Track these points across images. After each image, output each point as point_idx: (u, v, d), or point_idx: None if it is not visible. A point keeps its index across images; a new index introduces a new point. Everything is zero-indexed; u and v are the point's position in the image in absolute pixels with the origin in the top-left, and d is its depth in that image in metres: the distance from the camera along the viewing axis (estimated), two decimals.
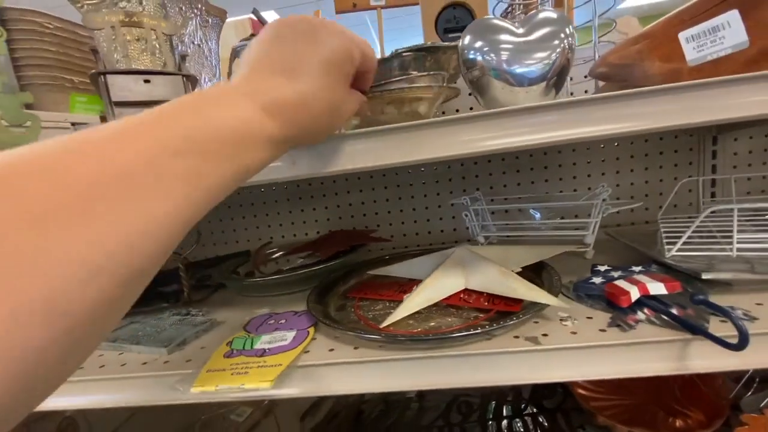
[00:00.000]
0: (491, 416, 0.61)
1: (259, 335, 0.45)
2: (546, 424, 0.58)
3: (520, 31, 0.40)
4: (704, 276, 0.39)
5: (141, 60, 0.49)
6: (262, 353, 0.40)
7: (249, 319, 0.51)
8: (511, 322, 0.37)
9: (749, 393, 0.63)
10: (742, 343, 0.29)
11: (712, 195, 0.72)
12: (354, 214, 0.80)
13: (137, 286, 0.19)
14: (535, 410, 0.60)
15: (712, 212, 0.43)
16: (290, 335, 0.43)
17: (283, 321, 0.49)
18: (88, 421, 0.71)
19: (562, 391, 0.65)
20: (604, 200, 0.57)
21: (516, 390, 0.66)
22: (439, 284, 0.46)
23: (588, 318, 0.39)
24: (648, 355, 0.34)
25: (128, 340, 0.48)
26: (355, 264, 0.63)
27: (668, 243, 0.48)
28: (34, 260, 0.14)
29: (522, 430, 0.58)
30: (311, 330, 0.44)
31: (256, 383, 0.35)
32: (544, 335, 0.37)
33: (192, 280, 0.65)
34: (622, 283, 0.41)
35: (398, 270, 0.55)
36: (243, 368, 0.37)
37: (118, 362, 0.44)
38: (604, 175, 0.73)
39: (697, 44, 0.31)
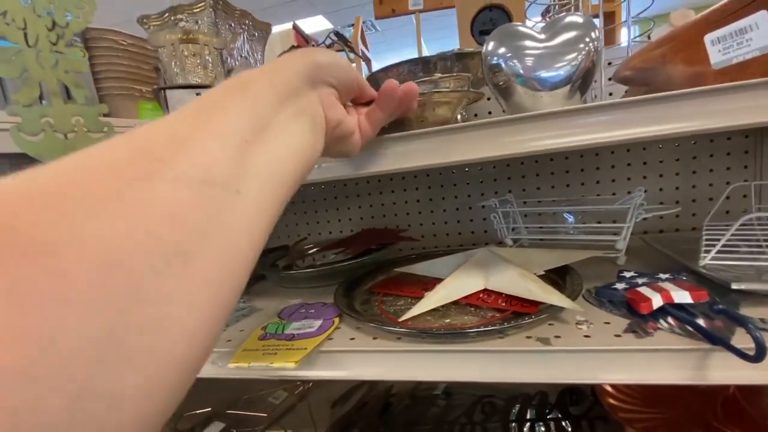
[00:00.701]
0: (514, 418, 0.61)
1: (290, 322, 0.49)
2: (569, 429, 0.57)
3: (543, 36, 0.40)
4: (734, 286, 0.37)
5: (196, 73, 0.55)
6: (291, 338, 0.44)
7: (283, 307, 0.55)
8: (524, 322, 0.38)
9: None
10: (759, 354, 0.28)
11: None
12: (386, 214, 0.83)
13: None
14: (559, 415, 0.59)
15: (749, 219, 0.41)
16: (317, 323, 0.47)
17: (312, 311, 0.53)
18: None
19: (592, 398, 0.64)
20: (641, 204, 0.55)
21: (542, 394, 0.65)
22: (458, 283, 0.48)
23: (605, 323, 0.39)
24: (662, 363, 0.33)
25: None
26: (383, 261, 0.66)
27: (707, 251, 0.46)
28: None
29: None
30: (336, 320, 0.48)
31: (282, 363, 0.39)
32: (557, 337, 0.37)
33: None
34: (644, 290, 0.40)
35: (422, 269, 0.57)
36: (273, 350, 0.42)
37: None
38: (645, 179, 0.70)
39: (723, 47, 0.31)
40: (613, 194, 0.72)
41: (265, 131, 0.21)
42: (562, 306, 0.39)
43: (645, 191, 0.55)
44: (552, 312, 0.40)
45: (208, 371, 0.44)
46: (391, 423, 0.71)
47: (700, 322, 0.35)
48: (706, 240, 0.51)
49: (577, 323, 0.39)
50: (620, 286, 0.43)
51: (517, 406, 0.64)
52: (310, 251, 0.81)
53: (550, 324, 0.40)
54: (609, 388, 0.64)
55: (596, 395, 0.64)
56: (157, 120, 0.18)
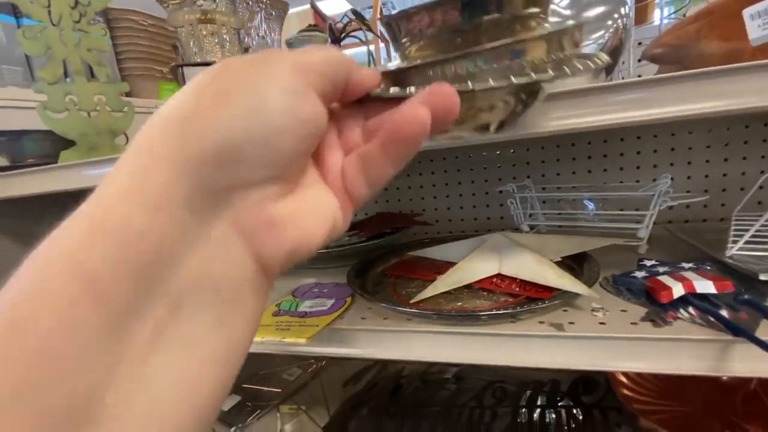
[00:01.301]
0: (524, 404, 0.61)
1: (303, 300, 0.50)
2: (580, 418, 0.56)
3: (568, 12, 0.39)
4: (762, 277, 0.35)
5: (213, 52, 0.55)
6: (304, 315, 0.45)
7: (297, 286, 0.56)
8: (538, 307, 0.37)
9: None
10: None
11: None
12: (400, 198, 0.83)
13: None
14: (570, 403, 0.59)
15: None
16: (329, 302, 0.48)
17: (325, 290, 0.53)
18: None
19: (605, 388, 0.63)
20: (666, 192, 0.53)
21: (554, 382, 0.65)
22: (472, 267, 0.47)
23: (622, 311, 0.38)
24: (680, 352, 0.32)
25: None
26: (397, 245, 0.66)
27: (734, 241, 0.44)
28: None
29: (554, 421, 0.57)
30: (348, 300, 0.48)
31: (294, 338, 0.40)
32: (571, 323, 0.37)
33: None
34: (665, 279, 0.39)
35: (436, 252, 0.57)
36: (286, 325, 0.42)
37: None
38: (672, 166, 0.67)
39: (764, 21, 0.28)
40: (637, 182, 0.69)
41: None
42: (578, 292, 0.38)
43: (672, 178, 0.53)
44: (567, 298, 0.39)
45: None
46: (401, 404, 0.72)
47: (723, 313, 0.33)
48: (735, 230, 0.49)
49: (592, 310, 0.38)
50: (640, 274, 0.42)
51: (528, 393, 0.64)
52: None
53: (564, 310, 0.39)
54: (623, 379, 0.63)
55: (610, 385, 0.63)
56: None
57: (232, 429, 0.70)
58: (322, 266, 0.65)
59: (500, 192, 0.76)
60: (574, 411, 0.57)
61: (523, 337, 0.36)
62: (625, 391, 0.61)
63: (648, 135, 0.67)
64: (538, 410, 0.59)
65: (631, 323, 0.35)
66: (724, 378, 0.62)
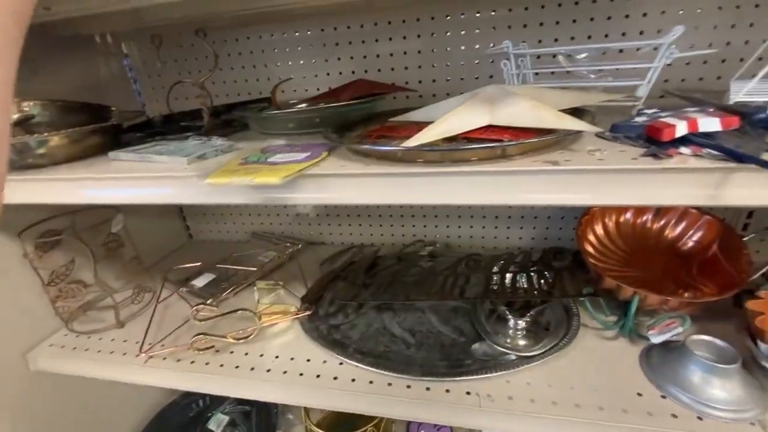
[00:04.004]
0: (497, 270, 0.63)
1: (274, 153, 0.45)
2: (551, 280, 0.59)
3: None
4: None
5: None
6: (275, 164, 0.40)
7: (267, 145, 0.51)
8: (529, 142, 0.34)
9: None
10: None
11: None
12: (381, 68, 0.74)
13: None
14: (542, 267, 0.61)
15: None
16: (304, 155, 0.43)
17: (298, 148, 0.48)
18: (134, 243, 0.80)
19: (572, 257, 0.66)
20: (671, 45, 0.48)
21: (526, 253, 0.67)
22: (460, 118, 0.43)
23: (621, 151, 0.36)
24: (681, 183, 0.31)
25: (152, 152, 0.50)
26: (378, 113, 0.60)
27: (737, 93, 0.42)
28: None
29: (526, 284, 0.60)
30: (325, 153, 0.44)
31: (265, 178, 0.35)
32: (567, 161, 0.34)
33: (216, 120, 0.65)
34: (668, 119, 0.36)
35: (421, 114, 0.52)
36: (255, 169, 0.38)
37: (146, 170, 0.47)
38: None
39: None
40: (638, 51, 0.64)
41: None
42: (578, 129, 0.35)
43: (683, 29, 0.48)
44: (562, 142, 0.36)
45: (182, 195, 0.41)
46: (377, 276, 0.74)
47: (725, 145, 0.32)
48: (734, 91, 0.46)
49: (589, 151, 0.36)
50: (640, 119, 0.39)
51: (501, 262, 0.66)
52: (296, 106, 0.74)
53: (560, 152, 0.37)
54: (590, 248, 0.66)
55: (578, 254, 0.65)
56: None
57: (208, 301, 0.70)
58: (294, 131, 0.59)
59: (492, 61, 0.69)
60: (546, 273, 0.60)
61: (514, 173, 0.34)
62: (592, 260, 0.63)
63: None
64: (510, 275, 0.62)
65: (632, 158, 0.33)
66: (684, 247, 0.66)
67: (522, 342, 0.57)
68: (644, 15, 0.62)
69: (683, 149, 0.34)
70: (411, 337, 0.61)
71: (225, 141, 0.52)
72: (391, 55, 0.73)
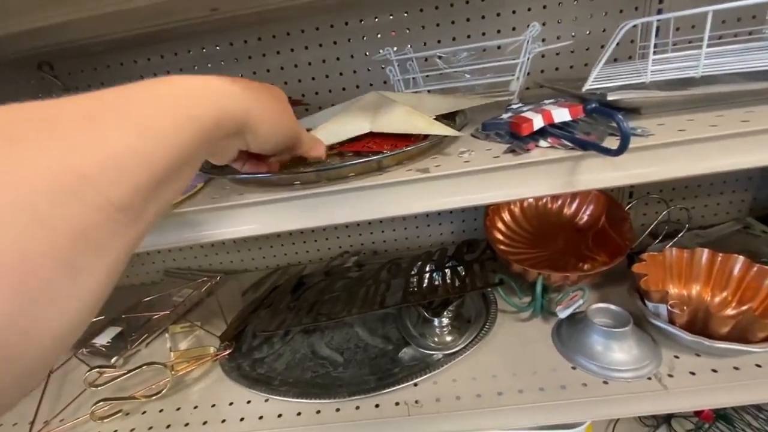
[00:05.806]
0: (416, 272, 0.64)
1: None
2: (463, 273, 0.61)
3: None
4: (609, 97, 0.36)
5: None
6: None
7: None
8: (403, 151, 0.34)
9: (656, 242, 0.68)
10: (622, 146, 0.27)
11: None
12: (274, 81, 0.71)
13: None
14: (455, 263, 0.63)
15: (624, 28, 0.39)
16: None
17: None
18: None
19: (485, 245, 0.68)
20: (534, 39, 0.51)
21: (442, 249, 0.68)
22: (339, 127, 0.42)
23: (487, 150, 0.37)
24: (537, 175, 0.32)
25: None
26: None
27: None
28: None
29: (440, 280, 0.61)
30: (200, 185, 0.41)
31: None
32: (437, 166, 0.34)
33: None
34: (528, 114, 0.38)
35: (305, 123, 0.50)
36: None
37: None
38: (545, 26, 0.67)
39: None
40: (509, 48, 0.68)
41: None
42: (445, 134, 0.35)
43: (544, 24, 0.51)
44: (437, 146, 0.37)
45: None
46: (302, 297, 0.71)
47: (577, 135, 0.34)
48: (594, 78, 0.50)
49: (459, 153, 0.37)
50: (506, 116, 0.41)
51: (419, 263, 0.66)
52: None
53: (433, 158, 0.37)
54: (499, 235, 0.69)
55: (488, 243, 0.68)
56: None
57: (113, 360, 0.63)
58: None
59: (382, 68, 0.69)
60: (459, 268, 0.61)
61: (389, 186, 0.33)
62: (501, 246, 0.66)
63: None
64: (428, 275, 0.62)
65: (494, 157, 0.34)
66: (581, 222, 0.71)
67: (448, 338, 0.58)
68: (513, 12, 0.66)
69: (542, 142, 0.36)
70: (339, 356, 0.59)
71: None
72: (282, 68, 0.70)
